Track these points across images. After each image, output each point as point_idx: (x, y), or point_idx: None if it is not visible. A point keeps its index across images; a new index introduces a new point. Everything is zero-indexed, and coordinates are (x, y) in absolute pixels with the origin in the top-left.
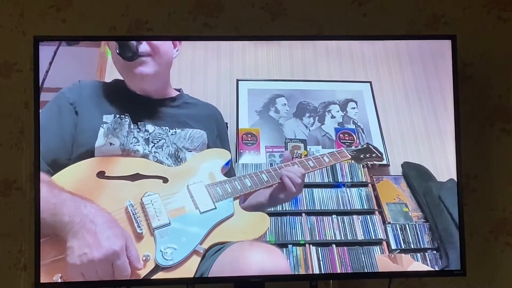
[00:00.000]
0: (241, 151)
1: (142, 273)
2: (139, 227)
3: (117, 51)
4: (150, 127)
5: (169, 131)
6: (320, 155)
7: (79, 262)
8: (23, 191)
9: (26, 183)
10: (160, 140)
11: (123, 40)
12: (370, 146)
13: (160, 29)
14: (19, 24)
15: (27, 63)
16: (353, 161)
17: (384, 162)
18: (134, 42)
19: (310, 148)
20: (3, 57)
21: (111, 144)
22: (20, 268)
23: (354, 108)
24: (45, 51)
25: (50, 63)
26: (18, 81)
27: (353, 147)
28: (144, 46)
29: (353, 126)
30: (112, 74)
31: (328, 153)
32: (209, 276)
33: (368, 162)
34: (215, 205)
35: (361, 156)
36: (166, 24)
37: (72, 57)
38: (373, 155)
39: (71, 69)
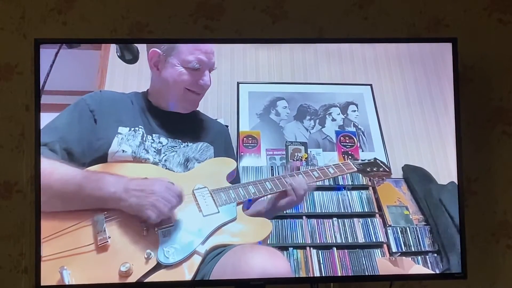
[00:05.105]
0: (242, 154)
1: (144, 270)
2: (143, 226)
3: (118, 54)
4: (164, 140)
5: (182, 144)
6: (325, 166)
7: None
8: (24, 193)
9: (27, 185)
10: (172, 152)
11: (124, 43)
12: (377, 160)
13: (161, 31)
14: (20, 27)
15: (28, 66)
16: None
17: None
18: (135, 45)
19: (310, 151)
20: (4, 59)
21: (123, 151)
22: (21, 271)
23: (355, 111)
24: (46, 53)
25: (51, 66)
26: (19, 83)
27: (359, 160)
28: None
29: (353, 129)
30: (112, 77)
31: (333, 165)
32: (210, 278)
33: (377, 178)
34: (218, 209)
35: (368, 169)
36: (167, 26)
37: (73, 59)
38: (380, 169)
39: (72, 71)
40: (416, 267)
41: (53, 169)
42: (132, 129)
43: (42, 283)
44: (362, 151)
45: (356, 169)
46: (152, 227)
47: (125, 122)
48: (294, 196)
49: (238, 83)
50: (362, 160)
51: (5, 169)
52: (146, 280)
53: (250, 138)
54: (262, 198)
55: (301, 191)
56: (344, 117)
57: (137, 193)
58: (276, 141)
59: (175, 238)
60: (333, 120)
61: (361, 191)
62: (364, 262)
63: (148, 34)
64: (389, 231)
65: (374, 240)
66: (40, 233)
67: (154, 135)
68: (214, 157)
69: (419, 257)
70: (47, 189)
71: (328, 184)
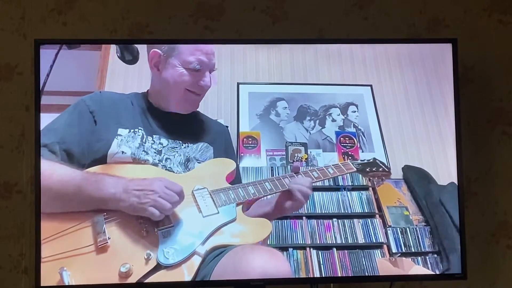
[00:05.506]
0: (242, 154)
1: (144, 270)
2: (143, 227)
3: (118, 55)
4: (164, 141)
5: (183, 145)
6: (324, 166)
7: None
8: (23, 194)
9: (27, 186)
10: (172, 152)
11: (124, 43)
12: (377, 160)
13: (161, 32)
14: (20, 27)
15: (28, 66)
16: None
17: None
18: (135, 46)
19: (310, 152)
20: (4, 60)
21: (123, 152)
22: (21, 271)
23: (355, 111)
24: (46, 54)
25: (51, 66)
26: (19, 84)
27: (358, 160)
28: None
29: (353, 130)
30: (112, 77)
31: (333, 165)
32: (211, 279)
33: (376, 178)
34: (217, 210)
35: (367, 169)
36: (167, 27)
37: (73, 60)
38: (380, 169)
39: (72, 72)
40: (416, 268)
41: (53, 171)
42: (132, 130)
43: (42, 284)
44: (362, 151)
45: (355, 169)
46: (152, 228)
47: (125, 123)
48: (302, 197)
49: (238, 84)
50: (361, 160)
51: (5, 169)
52: (146, 281)
53: (250, 139)
54: (263, 199)
55: (307, 190)
56: (344, 117)
57: (137, 192)
58: (276, 141)
59: (175, 238)
60: (333, 120)
61: (361, 191)
62: (364, 263)
63: (148, 35)
64: (389, 231)
65: (374, 241)
66: (40, 233)
67: (154, 136)
68: (214, 157)
69: (419, 257)
70: (46, 190)
71: (328, 184)
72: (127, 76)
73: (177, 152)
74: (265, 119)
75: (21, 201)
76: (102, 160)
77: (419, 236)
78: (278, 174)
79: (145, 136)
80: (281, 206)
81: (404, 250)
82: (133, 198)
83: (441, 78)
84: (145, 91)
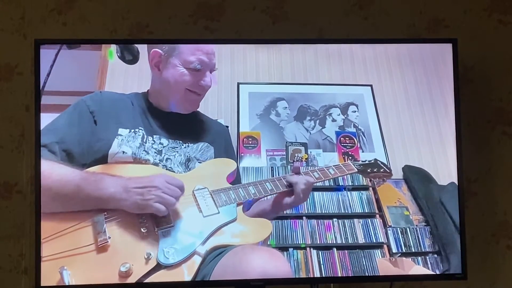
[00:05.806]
0: (242, 154)
1: (144, 270)
2: (143, 227)
3: (118, 55)
4: (164, 141)
5: (183, 145)
6: (325, 167)
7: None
8: (23, 194)
9: (26, 186)
10: (173, 152)
11: (124, 43)
12: (378, 161)
13: (161, 32)
14: (20, 27)
15: (28, 66)
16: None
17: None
18: (135, 46)
19: (311, 152)
20: (4, 60)
21: (123, 152)
22: (21, 271)
23: (355, 111)
24: (46, 54)
25: (51, 66)
26: (19, 84)
27: (360, 161)
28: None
29: (354, 130)
30: (112, 77)
31: (334, 166)
32: (211, 279)
33: (377, 178)
34: (218, 210)
35: (368, 170)
36: (167, 27)
37: (73, 60)
38: (381, 170)
39: (72, 72)
40: (416, 268)
41: (52, 171)
42: (132, 130)
43: (42, 284)
44: (362, 151)
45: (356, 170)
46: (152, 227)
47: (125, 123)
48: (301, 194)
49: (238, 84)
50: (362, 161)
51: (5, 169)
52: (146, 281)
53: (250, 139)
54: (263, 199)
55: (303, 186)
56: (344, 117)
57: (139, 190)
58: (276, 141)
59: (175, 238)
60: (333, 120)
61: (361, 191)
62: (364, 263)
63: (148, 35)
64: (389, 231)
65: (374, 241)
66: (40, 233)
67: (155, 136)
68: (214, 157)
69: (419, 257)
70: (46, 190)
71: (328, 184)
72: (127, 76)
73: (177, 152)
74: (265, 119)
75: (21, 201)
76: (102, 160)
77: (419, 236)
78: (278, 174)
79: (145, 136)
80: (279, 203)
81: (404, 250)
82: (135, 196)
83: (441, 78)
84: (145, 91)
